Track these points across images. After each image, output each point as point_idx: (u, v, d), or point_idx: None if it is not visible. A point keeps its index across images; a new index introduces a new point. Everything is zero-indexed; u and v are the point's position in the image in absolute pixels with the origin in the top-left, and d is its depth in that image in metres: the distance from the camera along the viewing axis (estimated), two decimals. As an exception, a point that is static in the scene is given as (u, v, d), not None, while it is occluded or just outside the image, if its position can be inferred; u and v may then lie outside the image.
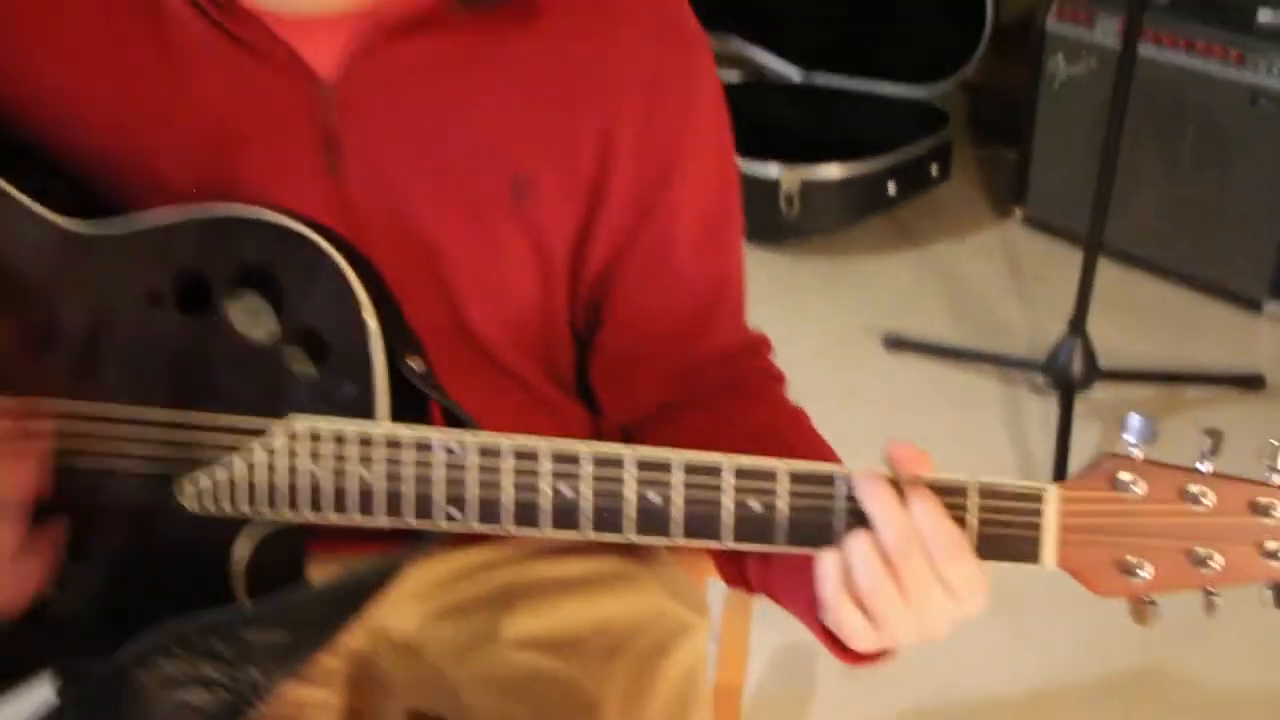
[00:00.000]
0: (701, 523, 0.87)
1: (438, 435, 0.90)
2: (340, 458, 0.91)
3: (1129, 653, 2.12)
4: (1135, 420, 0.81)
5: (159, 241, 0.96)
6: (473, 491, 0.89)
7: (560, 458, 0.88)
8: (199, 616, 0.93)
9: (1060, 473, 2.37)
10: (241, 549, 0.96)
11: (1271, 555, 0.81)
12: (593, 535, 0.89)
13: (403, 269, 0.96)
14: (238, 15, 0.97)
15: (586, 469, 0.88)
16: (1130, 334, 2.74)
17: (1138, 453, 0.81)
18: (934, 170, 3.16)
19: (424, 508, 0.90)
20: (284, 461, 0.92)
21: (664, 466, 0.87)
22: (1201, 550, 0.81)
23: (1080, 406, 2.51)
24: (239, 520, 0.94)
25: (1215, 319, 2.93)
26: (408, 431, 0.90)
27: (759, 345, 1.13)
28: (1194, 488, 0.81)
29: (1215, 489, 0.80)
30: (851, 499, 0.84)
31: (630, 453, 0.87)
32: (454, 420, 0.95)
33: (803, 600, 0.91)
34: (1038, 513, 0.83)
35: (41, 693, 1.00)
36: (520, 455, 0.88)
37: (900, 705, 2.03)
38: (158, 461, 0.95)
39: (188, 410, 0.95)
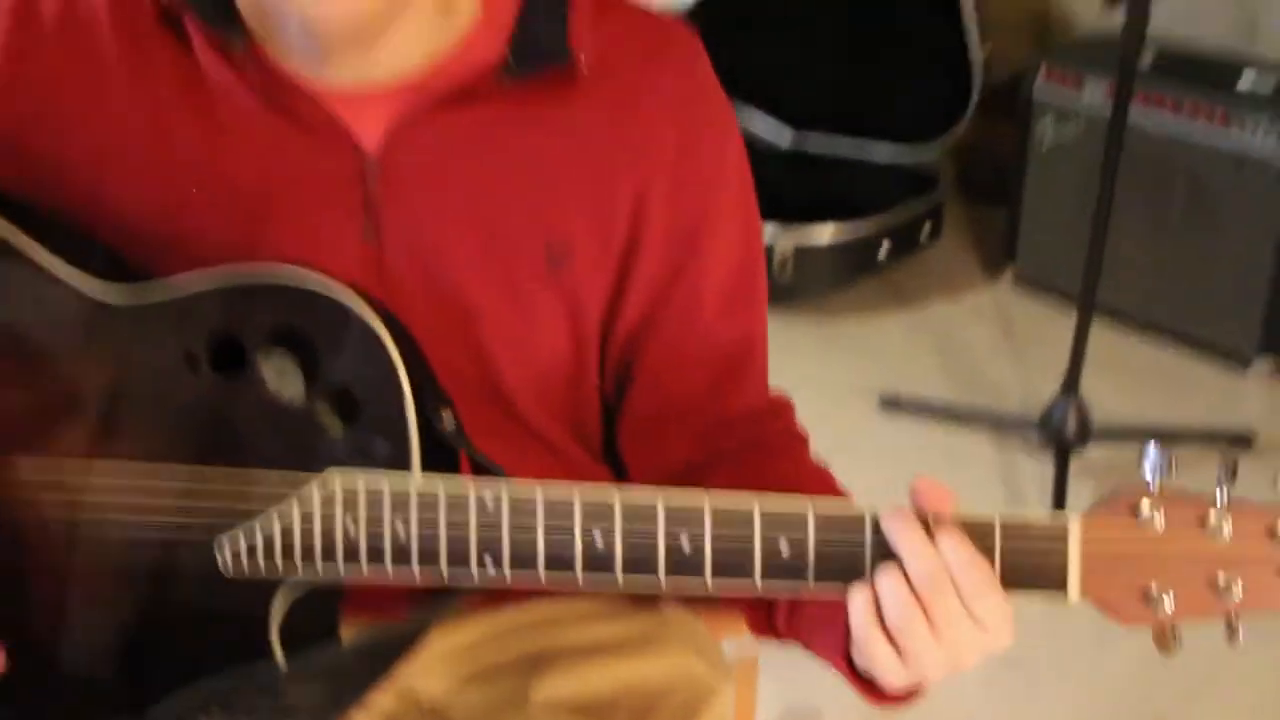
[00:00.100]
0: (732, 564, 0.88)
1: (471, 487, 0.92)
2: (375, 513, 0.92)
3: (1135, 711, 2.12)
4: (1153, 451, 0.84)
5: (196, 305, 0.98)
6: (506, 541, 0.91)
7: (592, 505, 0.90)
8: (238, 675, 0.95)
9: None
10: (278, 607, 0.97)
11: (1291, 581, 0.83)
12: (624, 581, 0.90)
13: (436, 331, 0.99)
14: (285, 87, 1.00)
15: (618, 516, 0.89)
16: (1122, 392, 2.77)
17: (1156, 483, 0.84)
18: (925, 232, 3.19)
19: (458, 559, 0.92)
20: (318, 518, 0.93)
21: (694, 511, 0.89)
22: (1222, 578, 0.83)
23: (1074, 465, 2.53)
24: (274, 579, 0.96)
25: (1204, 376, 2.96)
26: (441, 485, 0.92)
27: (782, 407, 1.15)
28: (1212, 516, 0.83)
29: (1233, 517, 0.83)
30: (879, 536, 0.86)
31: (661, 498, 0.89)
32: (483, 473, 0.97)
33: (832, 643, 0.93)
34: (1062, 545, 0.85)
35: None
36: (552, 505, 0.90)
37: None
38: (194, 523, 0.97)
39: (223, 470, 0.96)
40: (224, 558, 0.95)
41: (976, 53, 3.18)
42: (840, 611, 0.90)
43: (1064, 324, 2.65)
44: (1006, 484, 2.60)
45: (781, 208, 3.00)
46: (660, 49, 1.06)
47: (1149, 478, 0.84)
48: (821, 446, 1.13)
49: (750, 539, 0.88)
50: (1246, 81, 2.91)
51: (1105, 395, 2.61)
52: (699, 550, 0.88)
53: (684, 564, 0.89)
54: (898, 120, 3.33)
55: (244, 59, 0.99)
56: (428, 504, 0.92)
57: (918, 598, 0.84)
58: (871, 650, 0.87)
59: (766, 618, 1.03)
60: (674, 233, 1.05)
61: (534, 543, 0.90)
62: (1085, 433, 2.54)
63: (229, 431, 0.97)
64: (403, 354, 0.95)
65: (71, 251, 1.02)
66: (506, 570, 0.91)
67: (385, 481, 0.92)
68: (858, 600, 0.87)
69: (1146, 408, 2.80)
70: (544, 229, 1.03)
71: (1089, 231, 2.49)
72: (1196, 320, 2.99)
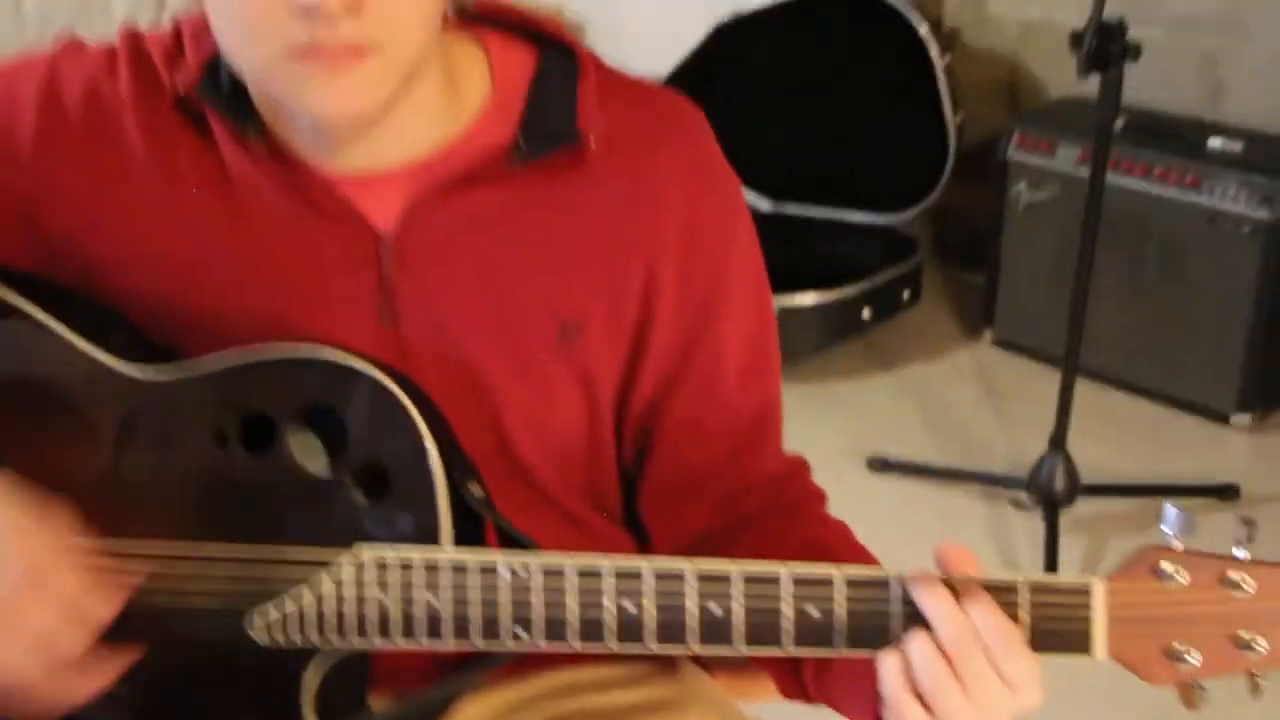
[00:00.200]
0: (763, 630, 0.90)
1: (502, 558, 0.93)
2: (407, 585, 0.94)
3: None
4: (1172, 512, 0.86)
5: (223, 384, 1.00)
6: (538, 611, 0.93)
7: (623, 574, 0.91)
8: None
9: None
10: (311, 678, 0.98)
11: (1314, 636, 0.85)
12: (656, 648, 0.92)
13: (454, 406, 1.00)
14: (300, 174, 1.02)
15: (648, 584, 0.91)
16: (1106, 449, 2.81)
17: (1177, 543, 0.86)
18: (905, 295, 3.24)
19: (491, 629, 0.93)
20: (352, 591, 0.95)
21: (724, 578, 0.91)
22: (1245, 635, 0.85)
23: (1064, 520, 2.56)
24: (308, 650, 0.97)
25: (1186, 432, 3.00)
26: (472, 556, 0.94)
27: (799, 467, 1.17)
28: (1233, 574, 0.85)
29: (1254, 575, 0.85)
30: (907, 600, 0.88)
31: (690, 566, 0.91)
32: (511, 543, 0.99)
33: (862, 704, 0.95)
34: (1087, 606, 0.87)
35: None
36: (584, 574, 0.92)
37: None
38: (228, 596, 0.98)
39: (255, 545, 0.98)
40: (257, 630, 0.96)
41: (951, 121, 3.23)
42: (868, 671, 0.91)
43: (1044, 382, 2.69)
44: (997, 540, 2.63)
45: (762, 273, 3.01)
46: (667, 125, 1.08)
47: (1169, 538, 0.86)
48: (813, 509, 1.14)
49: (781, 605, 0.90)
50: (1214, 143, 2.98)
51: (1090, 451, 2.64)
52: (730, 617, 0.90)
53: (716, 631, 0.91)
54: (875, 188, 3.39)
55: (261, 148, 1.02)
56: (460, 576, 0.93)
57: (948, 661, 0.86)
58: (904, 712, 0.88)
59: (795, 679, 1.04)
60: (686, 306, 1.07)
61: (567, 612, 0.92)
62: (1074, 489, 2.57)
63: (260, 506, 0.99)
64: (430, 427, 0.97)
65: (94, 330, 1.04)
66: (541, 640, 0.93)
67: (416, 554, 0.94)
68: (889, 664, 0.88)
69: (1131, 462, 2.84)
70: (556, 306, 1.05)
71: (1066, 293, 2.53)
72: (1175, 378, 3.04)
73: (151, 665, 1.01)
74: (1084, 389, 2.56)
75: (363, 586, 0.95)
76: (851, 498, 1.16)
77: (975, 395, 3.18)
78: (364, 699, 1.01)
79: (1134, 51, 2.32)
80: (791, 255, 3.27)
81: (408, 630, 0.94)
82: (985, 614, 0.86)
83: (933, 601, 0.87)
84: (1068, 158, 3.10)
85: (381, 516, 0.97)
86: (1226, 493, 2.73)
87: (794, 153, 3.44)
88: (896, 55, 3.28)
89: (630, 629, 0.92)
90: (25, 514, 0.95)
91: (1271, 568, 0.85)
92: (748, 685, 1.20)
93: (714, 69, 3.40)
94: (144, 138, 1.04)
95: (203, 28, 1.00)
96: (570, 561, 0.92)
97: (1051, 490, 2.55)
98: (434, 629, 0.94)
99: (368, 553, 0.95)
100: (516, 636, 0.93)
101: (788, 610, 0.90)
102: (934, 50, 3.22)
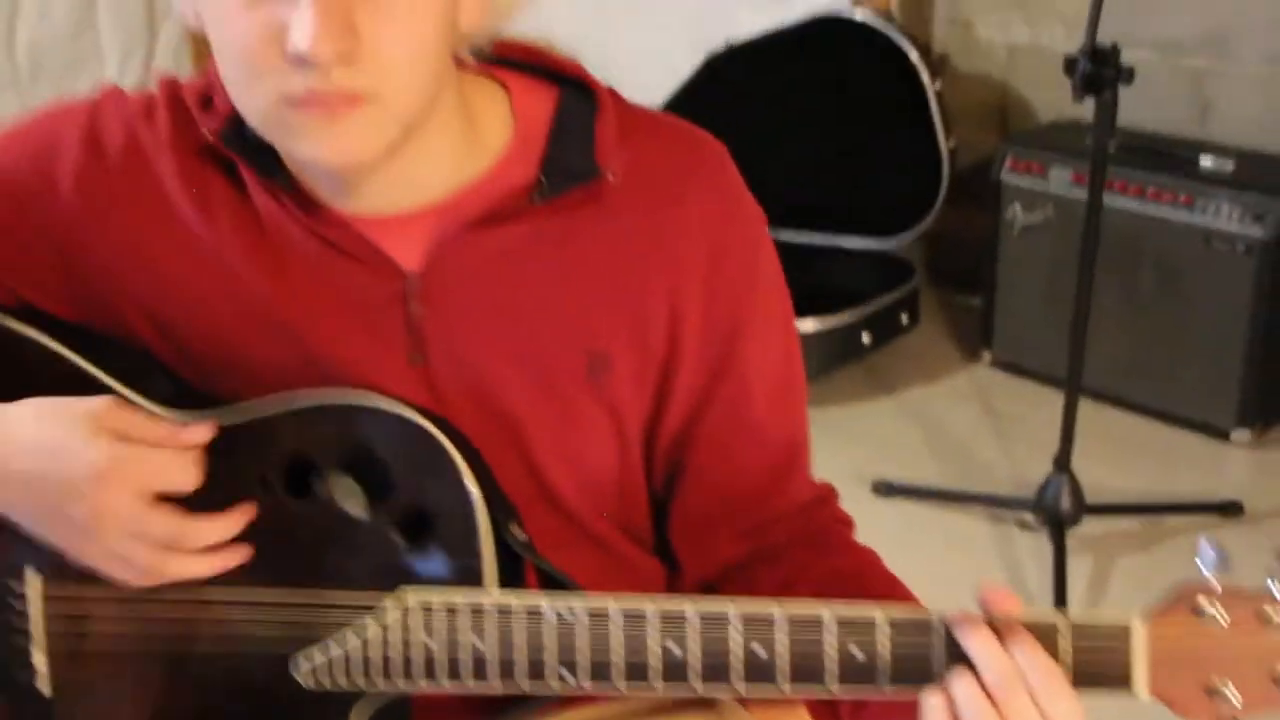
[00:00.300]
0: (807, 671, 0.92)
1: (547, 601, 0.95)
2: (453, 628, 0.95)
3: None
4: (1208, 550, 0.88)
5: (266, 430, 1.02)
6: (584, 653, 0.94)
7: (667, 616, 0.93)
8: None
9: (1060, 607, 2.42)
10: (356, 720, 0.99)
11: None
12: (701, 689, 0.93)
13: (486, 441, 1.02)
14: (325, 218, 1.04)
15: (693, 625, 0.93)
16: (1108, 467, 2.82)
17: (1214, 581, 0.88)
18: (904, 319, 3.26)
19: (536, 671, 0.95)
20: (398, 635, 0.96)
21: (768, 619, 0.92)
22: (1284, 670, 0.87)
23: (1070, 541, 2.58)
24: (353, 693, 0.98)
25: (1187, 449, 3.02)
26: (517, 599, 0.95)
27: (828, 494, 1.18)
28: (1270, 610, 0.87)
29: (1291, 610, 0.87)
30: (950, 640, 0.90)
31: (735, 608, 0.93)
32: (552, 582, 1.00)
33: (904, 740, 0.96)
34: (1128, 645, 0.89)
35: None
36: (628, 616, 0.93)
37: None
38: (273, 640, 0.99)
39: (300, 588, 0.99)
40: (303, 674, 0.98)
41: (944, 145, 3.26)
42: (908, 707, 0.93)
43: (1043, 402, 2.70)
44: (1005, 562, 2.64)
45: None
46: (689, 159, 1.09)
47: (1205, 575, 0.88)
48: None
49: (824, 646, 0.91)
50: (1207, 162, 3.01)
51: (1092, 470, 2.66)
52: (775, 658, 0.92)
53: (760, 672, 0.92)
54: (870, 214, 3.41)
55: (286, 192, 1.04)
56: (505, 619, 0.95)
57: (993, 702, 0.88)
58: (950, 750, 0.90)
59: (831, 711, 1.05)
60: (711, 339, 1.08)
61: (612, 654, 0.93)
62: (1079, 509, 2.59)
63: (303, 550, 1.00)
64: (471, 470, 0.98)
65: (134, 376, 1.06)
66: (586, 681, 0.94)
67: (461, 597, 0.95)
68: (933, 703, 0.90)
69: (1133, 480, 2.86)
70: (582, 341, 1.06)
71: (1063, 313, 2.55)
72: (1174, 395, 3.06)
73: (196, 708, 1.02)
74: (1084, 408, 2.58)
75: (408, 630, 0.96)
76: (858, 522, 1.18)
77: (976, 416, 3.20)
78: (408, 741, 1.03)
79: (1128, 75, 2.35)
80: (789, 282, 3.27)
81: (453, 673, 0.96)
82: (1029, 654, 0.88)
83: (977, 642, 0.88)
84: (1061, 180, 3.13)
85: (425, 560, 0.98)
86: (1230, 510, 2.75)
87: (789, 181, 3.44)
88: (888, 81, 3.30)
89: (675, 670, 0.93)
90: (80, 414, 0.99)
91: (1307, 603, 0.87)
92: (783, 717, 1.21)
93: (707, 99, 3.42)
94: (180, 184, 1.06)
95: None
96: (615, 604, 0.94)
97: (1058, 511, 2.57)
98: (479, 671, 0.95)
99: (412, 596, 0.96)
100: (562, 678, 0.95)
101: (831, 650, 0.91)
102: (925, 75, 3.24)
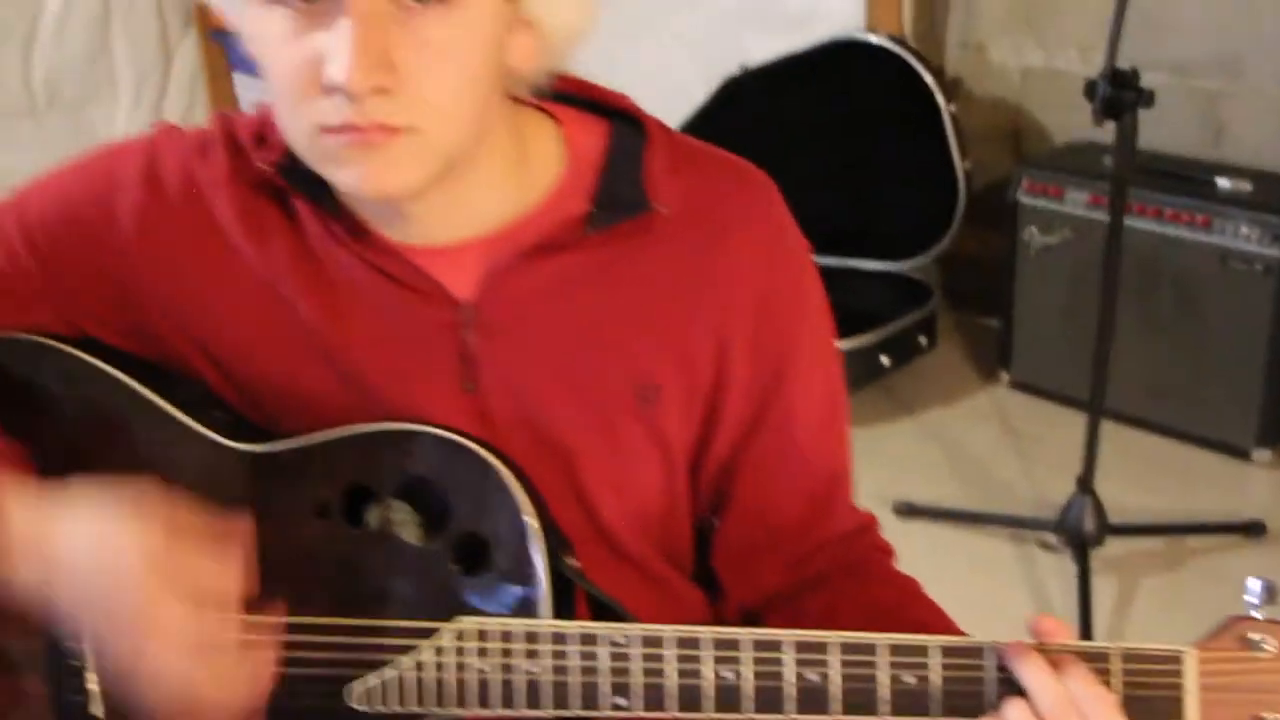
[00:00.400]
0: (860, 699, 0.93)
1: (600, 629, 0.96)
2: (507, 653, 0.96)
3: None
4: (1254, 584, 0.89)
5: (325, 458, 1.03)
6: (637, 680, 0.95)
7: (721, 643, 0.94)
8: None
9: (1085, 628, 2.43)
10: (412, 746, 1.00)
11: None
12: (755, 716, 0.95)
13: (537, 470, 1.03)
14: (379, 249, 1.06)
15: (747, 653, 0.94)
16: (1129, 488, 2.83)
17: (1261, 613, 0.89)
18: (922, 341, 3.28)
19: (590, 698, 0.96)
20: (452, 659, 0.97)
21: (821, 647, 0.93)
22: (1332, 701, 0.88)
23: (1094, 562, 2.58)
24: (407, 718, 0.99)
25: (1207, 468, 3.03)
26: (572, 626, 0.96)
27: (870, 523, 1.19)
28: (1319, 643, 0.88)
29: (1339, 641, 0.88)
30: (1002, 669, 0.91)
31: (788, 635, 0.94)
32: (603, 609, 1.01)
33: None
34: (1178, 674, 0.90)
35: None
36: (682, 642, 0.95)
37: None
38: (329, 665, 1.01)
39: (357, 616, 1.01)
40: (357, 697, 0.99)
41: (960, 167, 3.27)
42: None
43: (1063, 423, 2.69)
44: (1029, 583, 2.65)
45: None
46: (736, 191, 1.11)
47: (1253, 608, 0.89)
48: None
49: (877, 674, 0.92)
50: (1224, 183, 3.03)
51: (1113, 490, 2.67)
52: (828, 685, 0.93)
53: (813, 700, 0.93)
54: (887, 236, 3.42)
55: (339, 223, 1.05)
56: (560, 645, 0.96)
57: None
58: (1005, 777, 0.91)
59: None
60: (759, 370, 1.10)
61: (666, 680, 0.95)
62: (1102, 530, 2.60)
63: (361, 578, 1.02)
64: (528, 498, 1.00)
65: (195, 406, 1.08)
66: (639, 708, 0.95)
67: (516, 623, 0.97)
68: None
69: (1154, 500, 2.87)
70: (632, 371, 1.07)
71: (1081, 334, 2.57)
72: (1194, 415, 3.07)
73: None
74: (1104, 428, 2.59)
75: (463, 655, 0.97)
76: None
77: (996, 437, 3.21)
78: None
79: (1148, 98, 2.37)
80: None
81: (507, 699, 0.97)
82: (1081, 683, 0.89)
83: (1030, 671, 0.89)
84: (1077, 201, 3.15)
85: (481, 588, 0.99)
86: (1253, 530, 2.76)
87: (805, 204, 3.46)
88: (903, 104, 3.32)
89: (728, 697, 0.94)
90: (129, 518, 0.96)
91: (1355, 633, 0.88)
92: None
93: (724, 123, 3.44)
94: (236, 218, 1.07)
95: None
96: (669, 631, 0.95)
97: (1081, 531, 2.58)
98: (533, 698, 0.96)
99: (467, 622, 0.97)
100: (616, 706, 0.96)
101: (884, 679, 0.92)
102: (940, 97, 3.26)
